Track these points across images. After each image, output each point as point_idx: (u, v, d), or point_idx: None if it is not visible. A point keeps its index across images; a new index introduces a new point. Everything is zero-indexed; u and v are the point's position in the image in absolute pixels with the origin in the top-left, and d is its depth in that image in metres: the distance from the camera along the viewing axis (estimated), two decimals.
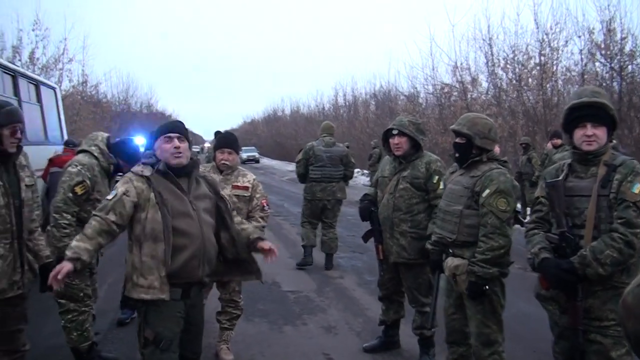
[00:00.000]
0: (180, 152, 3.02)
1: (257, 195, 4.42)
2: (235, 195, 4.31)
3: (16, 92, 8.26)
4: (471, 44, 20.50)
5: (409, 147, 4.34)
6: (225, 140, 4.48)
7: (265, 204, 4.44)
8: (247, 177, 4.45)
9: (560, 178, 2.96)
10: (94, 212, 2.96)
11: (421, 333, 4.35)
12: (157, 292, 2.91)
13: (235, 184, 4.36)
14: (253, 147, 54.39)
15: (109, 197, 2.95)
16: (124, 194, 2.91)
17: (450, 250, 3.61)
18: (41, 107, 9.53)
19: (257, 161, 49.30)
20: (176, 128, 3.11)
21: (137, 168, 3.05)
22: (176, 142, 3.03)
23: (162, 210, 2.88)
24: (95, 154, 4.05)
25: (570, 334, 2.89)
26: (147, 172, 2.99)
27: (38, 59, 22.78)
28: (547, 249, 2.94)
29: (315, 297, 6.41)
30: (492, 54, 19.45)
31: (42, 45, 23.12)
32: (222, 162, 4.38)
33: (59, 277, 2.69)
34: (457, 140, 3.58)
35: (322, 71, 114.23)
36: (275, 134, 56.31)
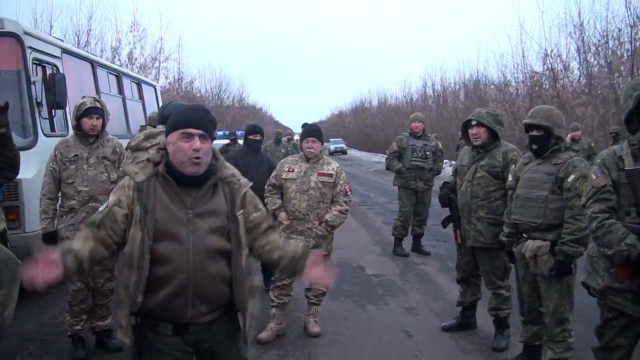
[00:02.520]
0: (199, 158, 2.25)
1: (341, 182, 4.82)
2: (321, 181, 4.76)
3: (120, 90, 9.11)
4: (562, 30, 20.09)
5: (487, 137, 4.57)
6: (309, 130, 4.92)
7: (348, 190, 4.84)
8: (332, 165, 4.87)
9: None
10: (82, 225, 2.49)
11: (496, 314, 4.58)
12: (122, 333, 2.29)
13: (321, 171, 4.80)
14: (340, 139, 55.00)
15: (100, 208, 2.37)
16: (116, 204, 2.29)
17: (525, 235, 3.87)
18: (143, 103, 10.44)
19: (344, 152, 49.87)
20: (200, 122, 2.29)
21: (131, 167, 2.39)
22: (197, 143, 2.24)
23: (142, 230, 2.22)
24: None
25: None
26: (141, 175, 2.31)
27: (136, 58, 24.47)
28: None
29: (397, 281, 6.72)
30: (583, 41, 18.86)
31: (139, 46, 24.88)
32: (308, 150, 4.83)
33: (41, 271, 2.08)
34: (534, 133, 3.83)
35: (410, 61, 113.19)
36: (362, 125, 56.67)
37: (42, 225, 4.38)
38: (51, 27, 21.46)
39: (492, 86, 26.88)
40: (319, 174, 4.78)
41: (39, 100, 5.86)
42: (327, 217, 4.71)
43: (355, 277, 6.92)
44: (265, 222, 2.50)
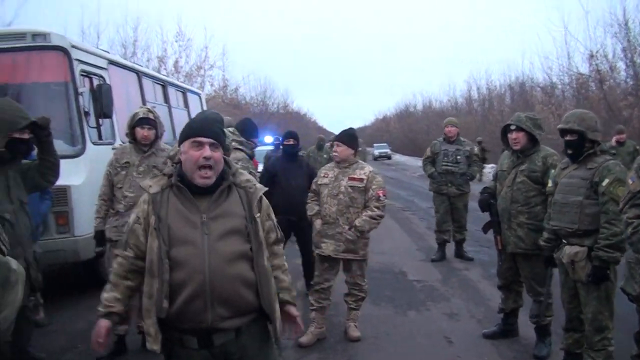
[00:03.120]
0: (210, 169, 2.30)
1: (373, 187, 4.78)
2: (351, 186, 4.77)
3: (166, 99, 9.35)
4: (607, 30, 19.36)
5: (527, 141, 4.51)
6: (338, 135, 5.01)
7: (381, 194, 4.79)
8: (364, 170, 4.86)
9: None
10: (115, 251, 2.58)
11: (537, 322, 4.50)
12: (151, 341, 2.33)
13: (352, 175, 4.80)
14: (385, 144, 54.89)
15: (126, 227, 2.49)
16: (136, 221, 2.39)
17: (564, 241, 3.81)
18: (188, 111, 10.67)
19: (388, 157, 49.75)
20: (210, 130, 2.34)
21: (146, 182, 2.47)
22: (207, 151, 2.28)
23: (158, 237, 2.28)
24: (240, 147, 4.64)
25: None
26: (155, 188, 2.37)
27: (182, 67, 25.09)
28: None
29: (439, 287, 6.68)
30: (628, 40, 18.25)
31: (184, 55, 25.51)
32: (333, 153, 4.95)
33: (100, 340, 2.34)
34: (568, 137, 3.80)
35: (454, 64, 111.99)
36: (407, 130, 56.31)
37: (94, 224, 4.69)
38: (98, 38, 22.21)
39: (538, 88, 26.33)
40: (350, 179, 4.78)
41: (86, 110, 6.08)
42: (357, 222, 4.70)
43: (397, 282, 6.91)
44: (274, 232, 2.53)
